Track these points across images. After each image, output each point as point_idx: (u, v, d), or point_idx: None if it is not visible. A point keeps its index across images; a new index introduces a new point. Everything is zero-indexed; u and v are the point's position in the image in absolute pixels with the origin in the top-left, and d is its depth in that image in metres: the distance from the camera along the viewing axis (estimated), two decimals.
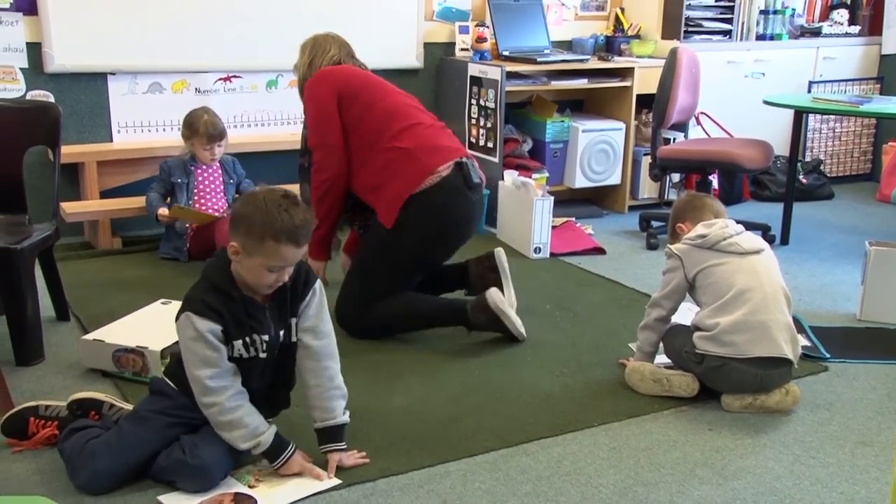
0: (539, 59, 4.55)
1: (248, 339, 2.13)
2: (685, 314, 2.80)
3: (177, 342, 2.14)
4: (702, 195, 2.93)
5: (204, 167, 3.91)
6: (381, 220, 2.96)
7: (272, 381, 2.25)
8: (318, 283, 2.23)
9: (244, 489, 2.11)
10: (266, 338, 2.15)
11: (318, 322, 2.21)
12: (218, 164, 3.95)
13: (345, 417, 2.24)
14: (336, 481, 2.15)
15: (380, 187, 2.97)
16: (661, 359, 2.76)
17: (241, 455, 2.17)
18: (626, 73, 4.78)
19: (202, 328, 2.05)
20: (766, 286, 2.56)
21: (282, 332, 2.18)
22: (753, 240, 2.68)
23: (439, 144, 2.98)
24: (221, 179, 3.93)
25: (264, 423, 2.14)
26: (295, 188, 3.51)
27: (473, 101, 4.57)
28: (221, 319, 2.07)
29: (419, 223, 2.90)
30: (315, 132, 3.11)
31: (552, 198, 4.04)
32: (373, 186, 3.00)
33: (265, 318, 2.14)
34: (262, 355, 2.17)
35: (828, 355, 2.97)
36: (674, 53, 4.25)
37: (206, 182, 3.90)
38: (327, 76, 3.14)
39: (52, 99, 3.97)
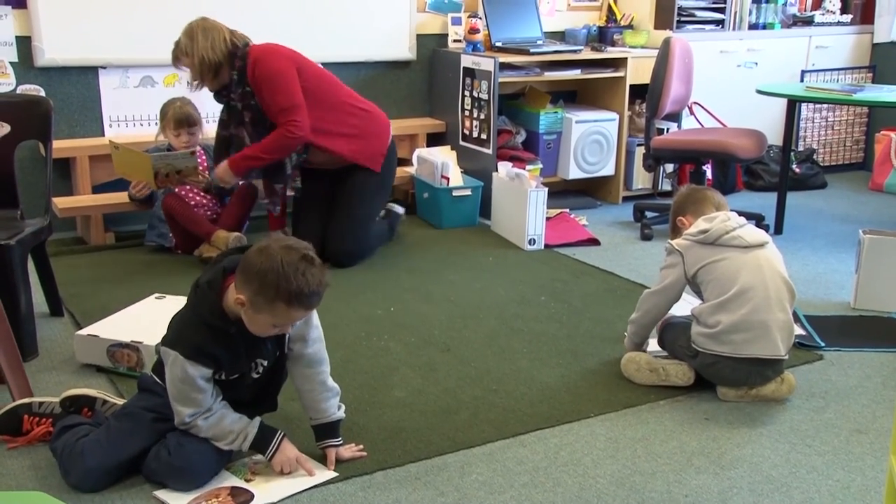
0: (532, 50, 4.54)
1: (246, 369, 2.12)
2: (682, 305, 2.80)
3: None
4: (702, 188, 2.90)
5: None
6: (368, 166, 3.79)
7: (261, 392, 2.23)
8: None
9: (240, 483, 2.11)
10: (265, 362, 2.15)
11: (307, 329, 2.16)
12: (201, 151, 3.91)
13: (340, 413, 2.23)
14: (333, 474, 2.15)
15: (359, 140, 3.77)
16: (653, 342, 2.78)
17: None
18: (619, 63, 4.77)
19: (193, 374, 2.02)
20: (769, 282, 2.54)
21: (278, 352, 2.17)
22: (756, 233, 2.64)
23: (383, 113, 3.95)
24: (205, 166, 3.90)
25: (246, 421, 2.12)
26: None
27: (467, 93, 4.56)
28: (215, 363, 2.04)
29: (391, 166, 3.92)
30: (286, 96, 3.59)
31: (546, 189, 4.03)
32: (348, 136, 3.74)
33: (264, 344, 2.12)
34: (256, 375, 2.16)
35: (822, 344, 2.97)
36: (667, 43, 4.24)
37: None
38: (274, 52, 3.66)
39: (42, 93, 3.95)
